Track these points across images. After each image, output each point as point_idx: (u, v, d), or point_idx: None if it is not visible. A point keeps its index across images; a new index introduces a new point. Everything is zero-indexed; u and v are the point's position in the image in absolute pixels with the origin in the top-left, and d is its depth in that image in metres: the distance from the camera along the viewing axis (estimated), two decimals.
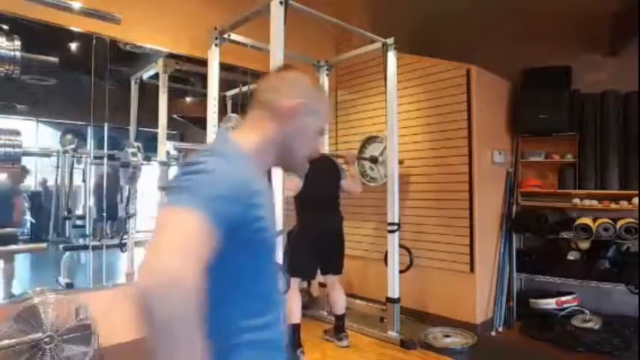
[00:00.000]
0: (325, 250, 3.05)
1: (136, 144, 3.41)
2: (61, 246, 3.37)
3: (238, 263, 0.83)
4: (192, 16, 3.37)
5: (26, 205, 3.36)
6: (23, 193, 3.32)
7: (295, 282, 2.87)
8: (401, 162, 3.51)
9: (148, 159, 3.47)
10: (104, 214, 3.30)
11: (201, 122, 3.13)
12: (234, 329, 0.83)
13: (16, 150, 1.92)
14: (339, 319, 3.18)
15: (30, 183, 3.42)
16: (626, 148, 3.75)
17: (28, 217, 3.37)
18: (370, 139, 3.93)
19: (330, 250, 3.09)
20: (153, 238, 0.70)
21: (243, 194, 0.80)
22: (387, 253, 3.26)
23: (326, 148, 3.83)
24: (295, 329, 2.85)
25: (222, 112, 3.27)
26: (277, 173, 2.35)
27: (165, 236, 0.70)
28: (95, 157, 3.22)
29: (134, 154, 3.37)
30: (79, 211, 3.57)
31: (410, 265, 3.29)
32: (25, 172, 3.25)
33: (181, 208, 0.72)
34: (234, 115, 2.89)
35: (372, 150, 3.88)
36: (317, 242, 2.97)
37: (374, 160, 3.77)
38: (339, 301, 3.18)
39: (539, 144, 4.03)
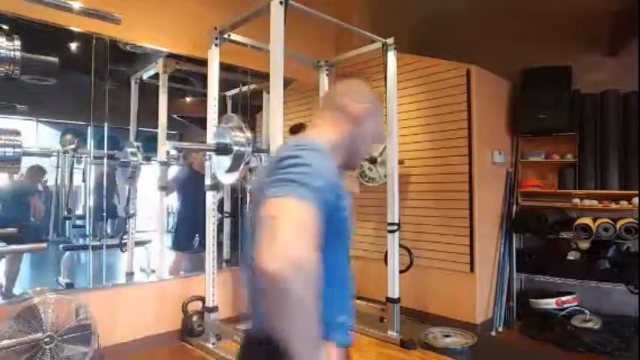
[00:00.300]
0: None
1: (135, 144, 3.42)
2: (61, 246, 3.37)
3: (330, 249, 0.89)
4: (192, 16, 3.37)
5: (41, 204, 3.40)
6: (41, 192, 3.40)
7: None
8: (401, 162, 3.51)
9: (147, 159, 3.47)
10: (104, 214, 3.30)
11: (201, 122, 3.13)
12: (329, 308, 0.88)
13: (16, 150, 1.92)
14: None
15: (49, 182, 3.47)
16: (626, 148, 3.75)
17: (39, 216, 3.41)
18: None
19: None
20: (267, 227, 0.76)
21: (336, 186, 0.89)
22: (387, 253, 3.26)
23: None
24: None
25: (222, 112, 3.27)
26: None
27: (285, 225, 0.75)
28: (95, 157, 3.22)
29: (134, 154, 3.38)
30: (79, 211, 3.57)
31: (410, 265, 3.29)
32: (42, 172, 3.33)
33: (292, 199, 0.79)
34: (233, 115, 2.89)
35: (371, 150, 3.87)
36: None
37: (373, 160, 3.77)
38: None
39: (539, 144, 4.03)
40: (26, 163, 3.26)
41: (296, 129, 3.20)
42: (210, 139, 2.90)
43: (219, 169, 2.79)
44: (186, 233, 3.95)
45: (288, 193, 0.79)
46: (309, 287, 0.73)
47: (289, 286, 0.71)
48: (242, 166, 2.65)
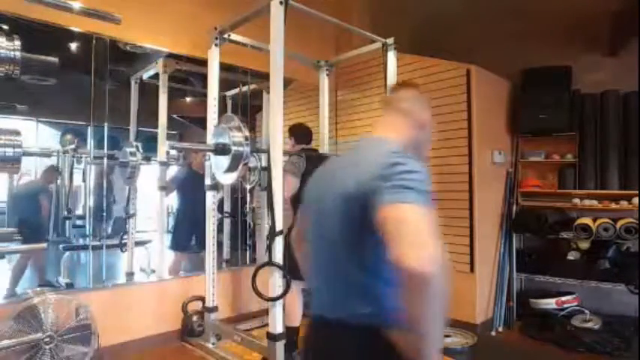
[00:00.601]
0: None
1: (134, 144, 3.42)
2: (61, 246, 3.37)
3: None
4: (192, 16, 3.37)
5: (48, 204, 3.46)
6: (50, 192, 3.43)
7: (297, 285, 2.84)
8: None
9: (147, 159, 3.47)
10: (104, 214, 3.30)
11: (201, 122, 3.12)
12: None
13: (16, 150, 1.92)
14: None
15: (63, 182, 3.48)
16: (626, 148, 3.75)
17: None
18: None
19: None
20: (398, 231, 0.88)
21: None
22: None
23: (326, 148, 3.82)
24: (295, 332, 2.84)
25: (222, 112, 3.27)
26: (278, 177, 2.35)
27: (417, 229, 0.88)
28: (95, 157, 3.22)
29: (133, 154, 3.38)
30: (79, 211, 3.57)
31: None
32: (57, 173, 3.36)
33: (414, 205, 0.91)
34: (232, 115, 2.89)
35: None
36: None
37: None
38: None
39: (539, 144, 4.03)
40: (43, 164, 3.34)
41: (295, 129, 3.20)
42: (210, 139, 2.90)
43: (218, 169, 2.78)
44: (185, 233, 3.95)
45: (413, 200, 0.92)
46: (443, 283, 0.86)
47: (434, 283, 0.84)
48: (241, 166, 2.64)
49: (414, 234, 0.87)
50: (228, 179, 2.75)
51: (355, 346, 1.02)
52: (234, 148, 2.61)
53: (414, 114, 1.24)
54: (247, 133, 2.64)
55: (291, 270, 2.51)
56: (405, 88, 1.34)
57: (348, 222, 1.02)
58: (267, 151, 2.41)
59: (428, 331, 0.90)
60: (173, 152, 4.09)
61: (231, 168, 2.66)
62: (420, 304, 0.87)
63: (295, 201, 2.93)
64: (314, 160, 3.01)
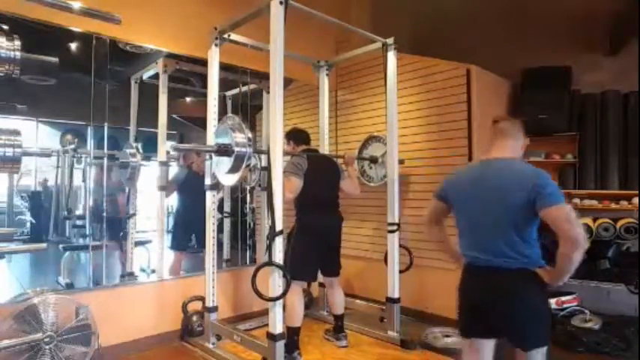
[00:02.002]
0: (326, 251, 3.03)
1: (134, 144, 3.42)
2: (61, 246, 3.37)
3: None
4: (192, 16, 3.37)
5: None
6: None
7: (298, 284, 2.84)
8: (401, 162, 3.51)
9: (147, 159, 3.47)
10: (104, 214, 3.30)
11: (202, 122, 3.12)
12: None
13: (16, 150, 1.92)
14: (338, 319, 3.18)
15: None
16: (626, 148, 3.75)
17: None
18: (371, 139, 3.91)
19: (330, 251, 3.08)
20: (569, 219, 1.60)
21: None
22: (387, 253, 3.26)
23: (326, 148, 3.82)
24: (296, 332, 2.84)
25: (222, 111, 3.27)
26: (278, 177, 2.35)
27: (577, 220, 1.61)
28: (95, 157, 3.22)
29: (133, 155, 3.37)
30: (79, 211, 3.57)
31: (410, 265, 3.29)
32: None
33: (565, 205, 1.64)
34: (234, 115, 2.88)
35: (374, 150, 3.86)
36: (318, 244, 2.95)
37: (374, 160, 3.76)
38: (338, 301, 3.18)
39: (539, 144, 4.03)
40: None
41: (293, 132, 3.19)
42: (211, 139, 2.90)
43: (219, 170, 2.78)
44: (184, 233, 3.95)
45: (562, 200, 1.65)
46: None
47: (583, 251, 1.59)
48: (243, 167, 2.64)
49: (576, 221, 1.60)
50: (230, 180, 2.74)
51: (516, 279, 1.73)
52: (236, 149, 2.60)
53: (522, 141, 1.96)
54: (250, 134, 2.64)
55: (292, 269, 2.52)
56: (511, 121, 1.97)
57: (513, 209, 1.69)
58: (268, 152, 2.40)
59: (571, 269, 1.65)
60: (173, 152, 4.09)
61: (233, 169, 2.65)
62: (577, 256, 1.59)
63: (299, 201, 2.92)
64: (315, 159, 3.02)
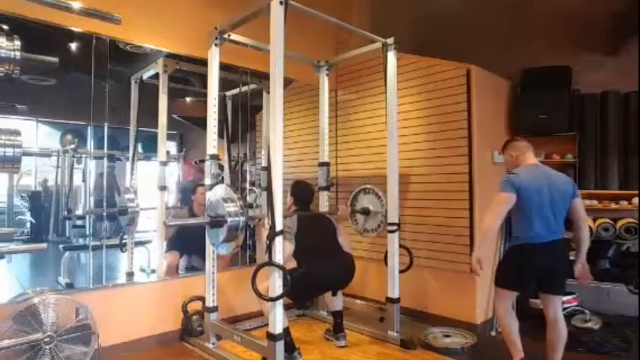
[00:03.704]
0: (330, 288, 3.09)
1: (132, 188, 3.37)
2: (61, 246, 3.37)
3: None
4: (193, 16, 3.37)
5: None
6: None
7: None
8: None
9: (147, 159, 3.47)
10: (104, 214, 3.30)
11: (201, 122, 3.12)
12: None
13: (16, 150, 1.92)
14: (337, 316, 3.18)
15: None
16: (626, 148, 3.75)
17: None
18: (366, 190, 3.69)
19: (340, 283, 3.11)
20: (583, 207, 2.55)
21: None
22: (387, 253, 3.26)
23: (326, 149, 3.82)
24: (286, 333, 2.78)
25: (222, 111, 3.26)
26: (278, 177, 2.35)
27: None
28: (95, 157, 3.22)
29: (131, 200, 3.32)
30: (79, 211, 3.57)
31: (410, 265, 3.29)
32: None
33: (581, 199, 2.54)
34: (223, 185, 2.84)
35: (368, 201, 3.66)
36: (322, 284, 2.99)
37: (366, 212, 3.66)
38: (336, 298, 3.18)
39: (539, 144, 4.02)
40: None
41: (297, 190, 3.13)
42: (210, 144, 2.92)
43: (215, 240, 2.79)
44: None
45: (578, 195, 2.51)
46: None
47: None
48: (238, 236, 2.64)
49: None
50: (228, 249, 2.76)
51: (564, 246, 2.55)
52: (229, 219, 2.61)
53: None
54: (241, 203, 2.65)
55: (290, 294, 2.48)
56: (527, 140, 2.68)
57: (563, 201, 2.44)
58: (268, 156, 2.39)
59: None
60: (173, 152, 4.09)
61: (228, 239, 2.67)
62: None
63: (299, 254, 2.79)
64: (306, 218, 2.98)
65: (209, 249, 2.99)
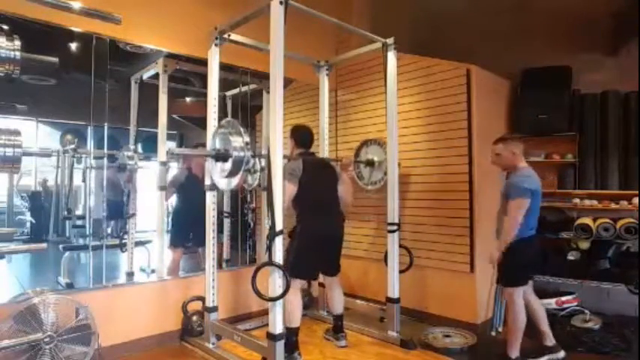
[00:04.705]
0: (328, 252, 3.04)
1: (132, 147, 3.40)
2: (61, 246, 3.37)
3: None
4: (193, 16, 3.37)
5: None
6: None
7: (297, 284, 2.84)
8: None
9: (147, 159, 3.47)
10: (104, 214, 3.30)
11: (202, 122, 3.12)
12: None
13: (16, 150, 1.92)
14: (338, 318, 3.18)
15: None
16: (626, 149, 3.75)
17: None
18: (369, 142, 3.84)
19: (332, 252, 3.07)
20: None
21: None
22: (387, 253, 3.26)
23: (326, 149, 3.82)
24: (295, 333, 2.83)
25: (223, 111, 3.26)
26: (277, 177, 2.35)
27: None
28: (95, 157, 3.22)
29: (130, 157, 3.35)
30: (79, 211, 3.57)
31: (410, 265, 3.29)
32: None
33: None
34: (232, 119, 2.86)
35: (372, 153, 3.79)
36: (320, 245, 2.94)
37: (370, 163, 3.72)
38: (338, 301, 3.18)
39: (539, 144, 4.03)
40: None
41: (297, 132, 3.16)
42: (210, 143, 2.91)
43: (217, 174, 2.78)
44: (183, 232, 3.89)
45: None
46: None
47: None
48: (242, 172, 2.63)
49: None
50: (229, 184, 2.74)
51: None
52: (234, 153, 2.60)
53: None
54: (247, 138, 2.63)
55: (292, 267, 2.51)
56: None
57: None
58: (268, 156, 2.39)
59: None
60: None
61: (231, 173, 2.65)
62: None
63: (299, 204, 2.91)
64: (311, 163, 3.00)
65: (209, 248, 2.99)
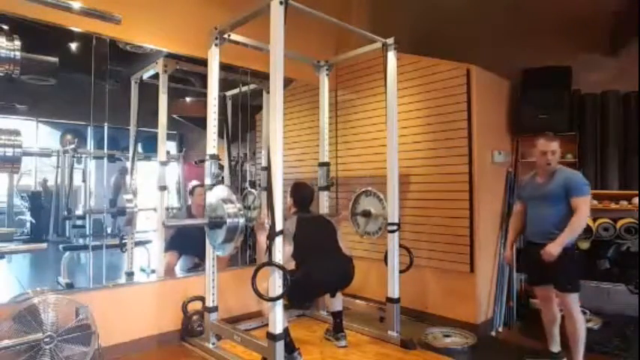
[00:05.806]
0: (327, 288, 3.08)
1: (132, 189, 3.38)
2: (61, 246, 3.37)
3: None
4: (192, 16, 3.37)
5: None
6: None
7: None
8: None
9: (147, 158, 3.47)
10: (104, 214, 3.30)
11: (201, 122, 3.12)
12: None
13: (16, 150, 1.92)
14: (337, 316, 3.18)
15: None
16: (626, 148, 3.75)
17: None
18: (367, 192, 3.65)
19: (339, 285, 3.10)
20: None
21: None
22: (387, 253, 3.26)
23: (326, 149, 3.82)
24: (286, 333, 2.78)
25: (223, 112, 3.26)
26: (278, 177, 2.35)
27: None
28: (95, 157, 3.22)
29: (130, 201, 3.33)
30: (79, 211, 3.57)
31: (410, 265, 3.29)
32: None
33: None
34: (223, 186, 2.85)
35: (369, 204, 3.63)
36: (323, 287, 2.98)
37: (367, 214, 3.63)
38: (336, 299, 3.18)
39: None
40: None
41: (296, 193, 3.11)
42: (210, 145, 2.92)
43: (214, 241, 2.79)
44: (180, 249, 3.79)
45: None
46: None
47: None
48: (237, 237, 2.63)
49: None
50: (227, 250, 2.76)
51: None
52: (228, 220, 2.61)
53: None
54: (240, 205, 2.65)
55: (289, 295, 2.47)
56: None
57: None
58: (268, 156, 2.39)
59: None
60: (172, 153, 4.08)
61: (227, 240, 2.67)
62: None
63: (298, 254, 2.77)
64: (305, 220, 2.96)
65: (209, 249, 2.99)
